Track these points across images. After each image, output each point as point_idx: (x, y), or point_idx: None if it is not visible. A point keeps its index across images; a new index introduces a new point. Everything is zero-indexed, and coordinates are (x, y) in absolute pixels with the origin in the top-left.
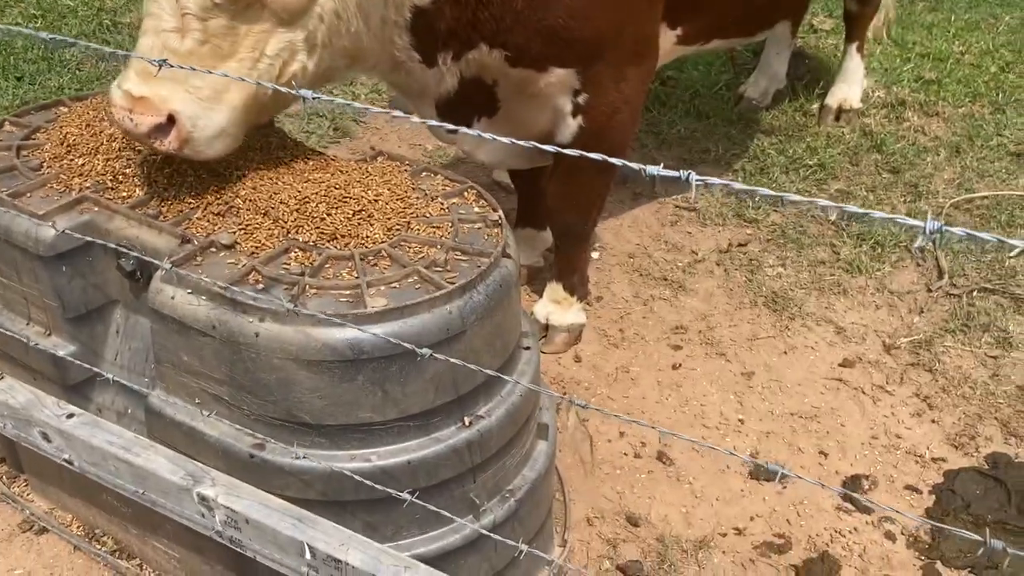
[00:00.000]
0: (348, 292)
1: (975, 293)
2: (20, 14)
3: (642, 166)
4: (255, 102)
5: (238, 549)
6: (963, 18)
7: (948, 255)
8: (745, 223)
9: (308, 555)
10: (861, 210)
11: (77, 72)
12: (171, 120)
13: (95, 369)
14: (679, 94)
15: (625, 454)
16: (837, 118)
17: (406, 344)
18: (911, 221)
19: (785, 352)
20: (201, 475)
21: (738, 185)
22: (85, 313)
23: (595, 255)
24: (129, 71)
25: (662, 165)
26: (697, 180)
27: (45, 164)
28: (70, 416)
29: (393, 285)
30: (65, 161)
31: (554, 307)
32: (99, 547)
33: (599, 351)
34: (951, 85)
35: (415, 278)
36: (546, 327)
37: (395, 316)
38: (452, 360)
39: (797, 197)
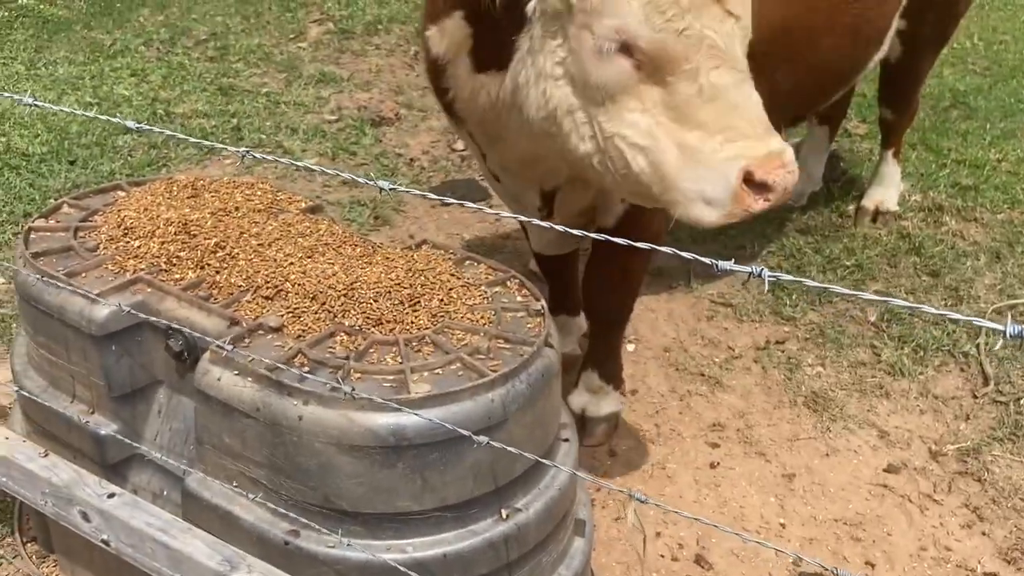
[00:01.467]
0: (392, 377)
1: (1022, 401)
2: (76, 101)
3: (713, 261)
4: None
5: None
6: (998, 127)
7: (993, 361)
8: (782, 320)
9: None
10: (942, 311)
11: (129, 158)
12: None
13: (136, 445)
14: None
15: (662, 556)
16: (874, 220)
17: (454, 427)
18: (991, 324)
19: (827, 454)
20: (238, 561)
21: (811, 283)
22: (130, 392)
23: (630, 347)
24: (749, 140)
25: (733, 260)
26: (770, 276)
27: (101, 246)
28: (111, 496)
29: (436, 371)
30: (121, 243)
31: (590, 397)
32: None
33: (634, 446)
34: (988, 192)
35: (458, 365)
36: (582, 418)
37: (438, 402)
38: (495, 444)
39: (874, 297)
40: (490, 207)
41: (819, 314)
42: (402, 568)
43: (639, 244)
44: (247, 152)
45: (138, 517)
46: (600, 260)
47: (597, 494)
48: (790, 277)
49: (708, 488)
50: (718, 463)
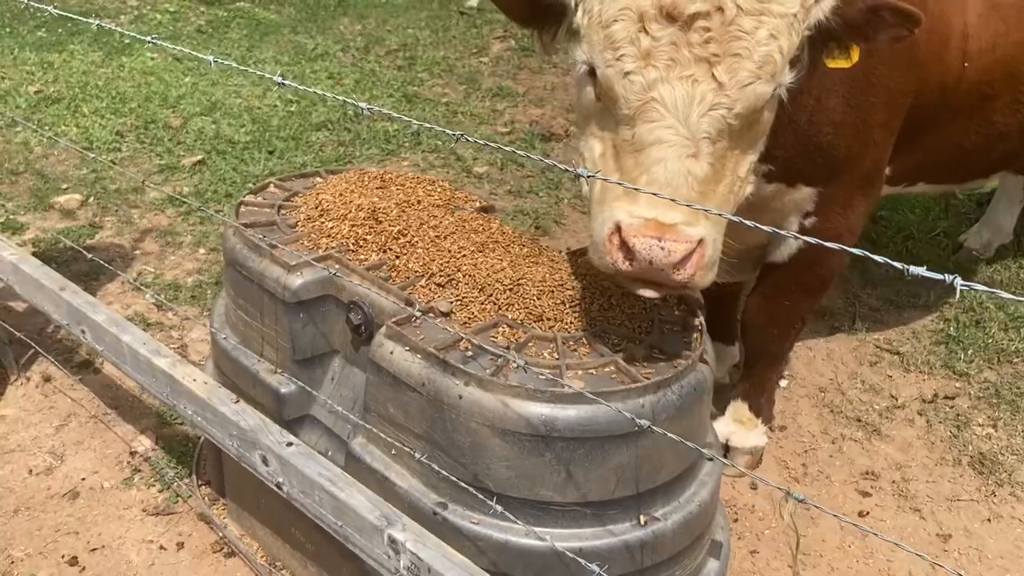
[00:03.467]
0: (548, 370)
1: None
2: (279, 98)
3: (905, 266)
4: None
5: None
6: None
7: None
8: (955, 375)
9: None
10: None
11: (320, 152)
12: (700, 245)
13: (319, 395)
14: (891, 235)
15: None
16: None
17: (626, 418)
18: None
19: (989, 520)
20: (395, 519)
21: (1006, 295)
22: (310, 357)
23: (783, 383)
24: (640, 199)
25: (925, 267)
26: (962, 285)
27: (300, 223)
28: (289, 444)
29: (591, 371)
30: (317, 223)
31: (737, 427)
32: None
33: (778, 483)
34: None
35: (612, 368)
36: (726, 447)
37: (590, 400)
38: (656, 432)
39: None
40: None
41: (996, 372)
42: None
43: (829, 245)
44: (420, 126)
45: (311, 466)
46: (768, 293)
47: (735, 525)
48: (985, 288)
49: (854, 536)
50: (867, 512)
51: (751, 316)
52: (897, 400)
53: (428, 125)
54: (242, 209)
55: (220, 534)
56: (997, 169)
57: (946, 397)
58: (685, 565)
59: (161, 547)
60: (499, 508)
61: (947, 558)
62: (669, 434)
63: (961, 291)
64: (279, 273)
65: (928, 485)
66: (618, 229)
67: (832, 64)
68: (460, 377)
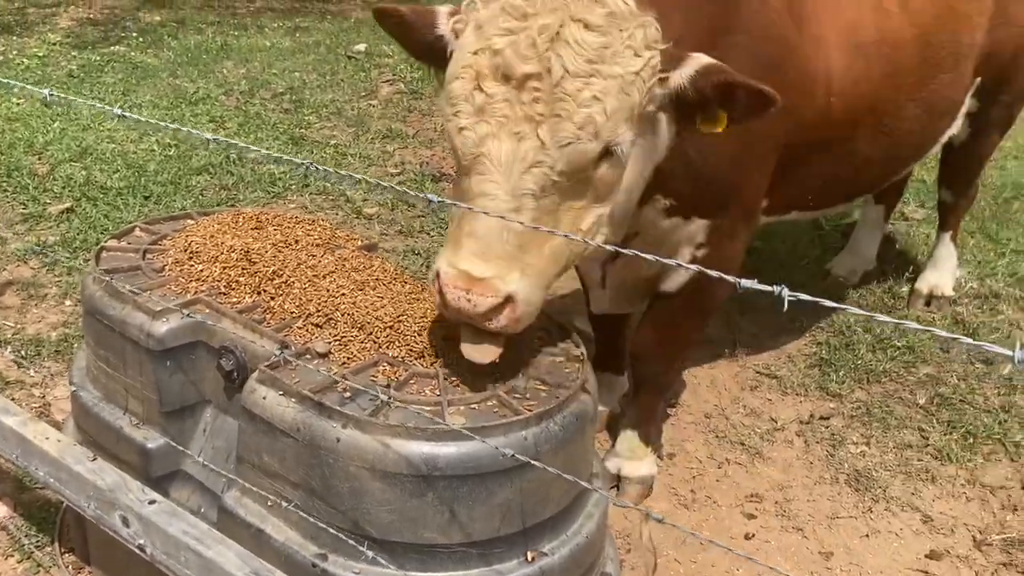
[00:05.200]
0: (429, 408)
1: None
2: (157, 142)
3: (737, 280)
4: (562, 274)
5: None
6: None
7: None
8: (828, 396)
9: None
10: (945, 334)
11: (201, 197)
12: (507, 300)
13: (186, 451)
14: (764, 265)
15: None
16: (927, 303)
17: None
18: (998, 349)
19: (867, 535)
20: (266, 575)
21: (829, 303)
22: (179, 409)
23: (670, 411)
24: (461, 250)
25: (756, 280)
26: (789, 296)
27: (167, 267)
28: (152, 502)
29: (472, 406)
30: (186, 266)
31: (628, 457)
32: None
33: (668, 510)
34: None
35: (494, 402)
36: (617, 478)
37: (472, 436)
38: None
39: (915, 325)
40: None
41: (866, 392)
42: None
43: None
44: (311, 164)
45: (175, 525)
46: (657, 322)
47: (627, 556)
48: (809, 298)
49: (741, 560)
50: (753, 535)
51: (640, 345)
52: (777, 422)
53: (317, 166)
54: (103, 255)
55: None
56: (862, 194)
57: (821, 418)
58: None
59: None
60: (377, 555)
61: (829, 575)
62: (552, 468)
63: (788, 301)
64: (143, 320)
65: (809, 504)
66: (438, 276)
67: (704, 129)
68: (337, 419)
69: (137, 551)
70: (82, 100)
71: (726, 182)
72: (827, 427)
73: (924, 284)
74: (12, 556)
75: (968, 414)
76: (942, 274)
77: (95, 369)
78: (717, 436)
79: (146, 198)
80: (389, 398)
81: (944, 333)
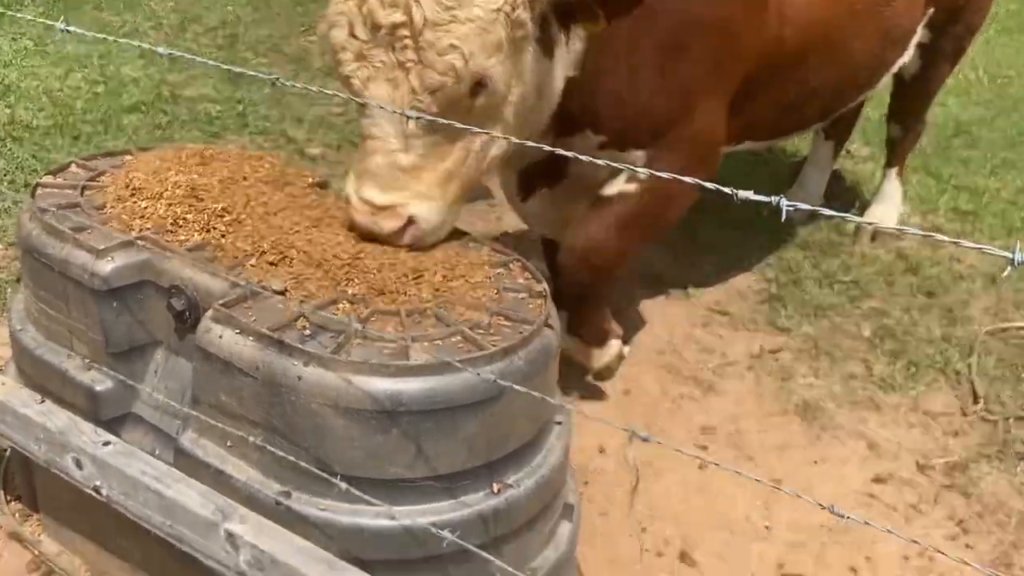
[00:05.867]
0: (392, 345)
1: (1011, 420)
2: (83, 79)
3: (734, 191)
4: (465, 190)
5: None
6: (1000, 156)
7: (984, 380)
8: (778, 331)
9: None
10: (947, 239)
11: (133, 137)
12: (409, 221)
13: (146, 386)
14: (716, 202)
15: (647, 550)
16: (873, 239)
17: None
18: (997, 251)
19: (815, 462)
20: (231, 511)
21: (828, 212)
22: (127, 350)
23: (625, 348)
24: (364, 180)
25: (752, 191)
26: (788, 205)
27: (108, 204)
28: (106, 444)
29: (436, 342)
30: (128, 203)
31: (581, 358)
32: None
33: (624, 444)
34: (987, 218)
35: (458, 338)
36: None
37: (436, 371)
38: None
39: (916, 231)
40: (491, 206)
41: (814, 327)
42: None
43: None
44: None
45: (133, 465)
46: (595, 223)
47: (585, 488)
48: (807, 207)
49: (695, 489)
50: (706, 465)
51: (574, 247)
52: (728, 357)
53: (289, 82)
54: (39, 191)
55: (35, 551)
56: (816, 122)
57: (771, 352)
58: (539, 529)
59: None
60: (346, 489)
61: (779, 501)
62: (519, 398)
63: (787, 211)
64: (86, 259)
65: (760, 435)
66: (348, 201)
67: (587, 29)
68: (298, 357)
69: (93, 493)
70: (30, 17)
71: (660, 111)
72: (777, 360)
73: (870, 220)
74: None
75: (911, 345)
76: (887, 209)
77: (36, 311)
78: (670, 372)
79: (75, 138)
80: (354, 332)
81: (943, 237)
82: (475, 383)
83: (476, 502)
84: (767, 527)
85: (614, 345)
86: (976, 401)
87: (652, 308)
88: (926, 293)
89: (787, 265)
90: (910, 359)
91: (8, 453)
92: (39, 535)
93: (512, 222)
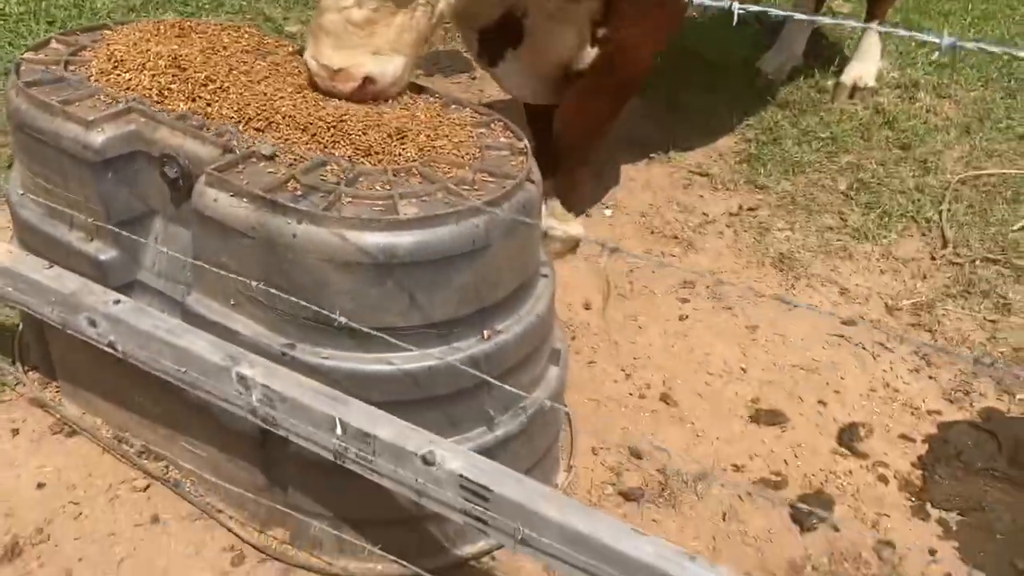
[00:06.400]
0: (381, 202)
1: (977, 262)
2: None
3: None
4: (419, 44)
5: (271, 428)
6: (980, 7)
7: (953, 226)
8: (756, 189)
9: (339, 430)
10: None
11: (108, 18)
12: (367, 80)
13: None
14: (697, 67)
15: (630, 394)
16: (851, 95)
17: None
18: (926, 36)
19: (790, 309)
20: (240, 356)
21: (775, 11)
22: (127, 220)
23: (607, 212)
24: (321, 43)
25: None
26: (739, 8)
27: (92, 78)
28: (117, 302)
29: (423, 198)
30: (112, 76)
31: (554, 221)
32: (127, 448)
33: (605, 300)
34: (964, 70)
35: (444, 193)
36: (545, 235)
37: (425, 224)
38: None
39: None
40: (472, 78)
41: (792, 183)
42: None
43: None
44: None
45: (144, 320)
46: (575, 99)
47: (573, 342)
48: (757, 8)
49: (676, 337)
50: (687, 316)
51: (562, 120)
52: (708, 216)
53: None
54: (23, 67)
55: (57, 415)
56: None
57: (749, 209)
58: (528, 372)
59: None
60: (347, 341)
61: (755, 345)
62: (505, 249)
63: (738, 15)
64: (77, 131)
65: (737, 286)
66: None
67: None
68: (292, 216)
69: (108, 349)
70: None
71: None
72: (755, 217)
73: (848, 77)
74: None
75: (885, 196)
76: (866, 65)
77: (33, 186)
78: (652, 232)
79: (50, 23)
80: (344, 191)
81: (884, 28)
82: (462, 234)
83: (468, 347)
84: (743, 369)
85: (580, 228)
86: (945, 246)
87: (635, 173)
88: (901, 146)
89: (767, 125)
90: (883, 209)
91: (20, 327)
92: (59, 400)
93: (494, 92)
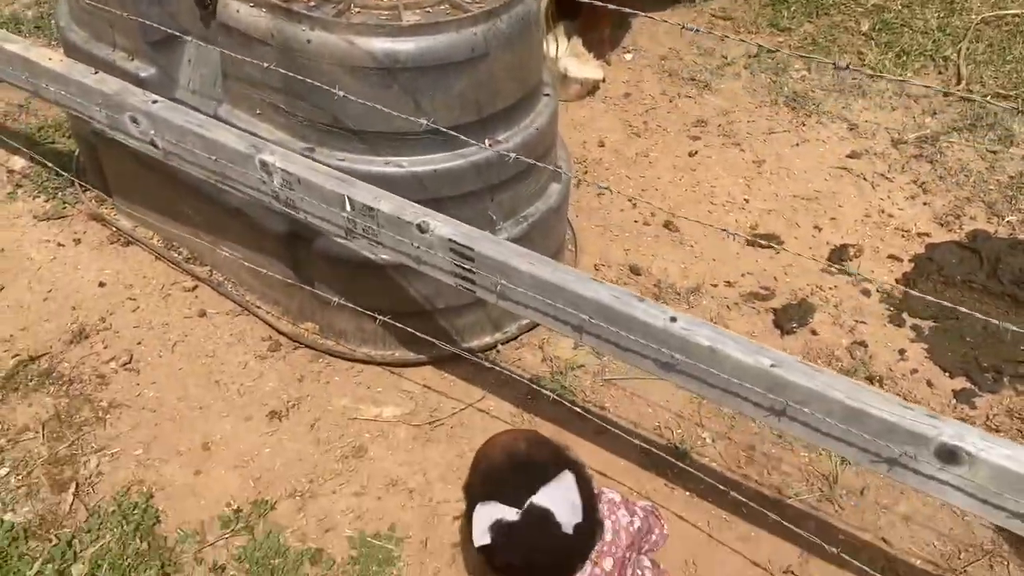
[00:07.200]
0: (387, 12)
1: (989, 97)
2: None
3: None
4: None
5: (291, 211)
6: None
7: (970, 64)
8: (778, 32)
9: (348, 206)
10: None
11: None
12: None
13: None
14: None
15: (635, 221)
16: None
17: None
18: None
19: (797, 144)
20: (263, 146)
21: None
22: (162, 40)
23: (628, 56)
24: None
25: None
26: None
27: None
28: (155, 102)
29: (426, 9)
30: None
31: (574, 60)
32: (176, 255)
33: (622, 139)
34: None
35: (446, 6)
36: (565, 77)
37: (426, 32)
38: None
39: None
40: None
41: (814, 25)
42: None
43: None
44: None
45: (178, 116)
46: None
47: (585, 175)
48: None
49: (684, 172)
50: (696, 152)
51: None
52: (727, 58)
53: None
54: None
55: (114, 227)
56: None
57: (769, 51)
58: (529, 183)
59: (59, 244)
60: (360, 145)
61: (760, 178)
62: (503, 57)
63: None
64: None
65: (748, 124)
66: None
67: None
68: (305, 23)
69: (150, 147)
70: None
71: None
72: (773, 58)
73: None
74: (38, 197)
75: (906, 36)
76: None
77: (79, 10)
78: (670, 75)
79: None
80: (350, 5)
81: None
82: (461, 42)
83: (471, 153)
84: (746, 200)
85: (599, 69)
86: (959, 82)
87: (658, 17)
88: None
89: None
90: (902, 48)
91: (77, 153)
92: (114, 215)
93: None
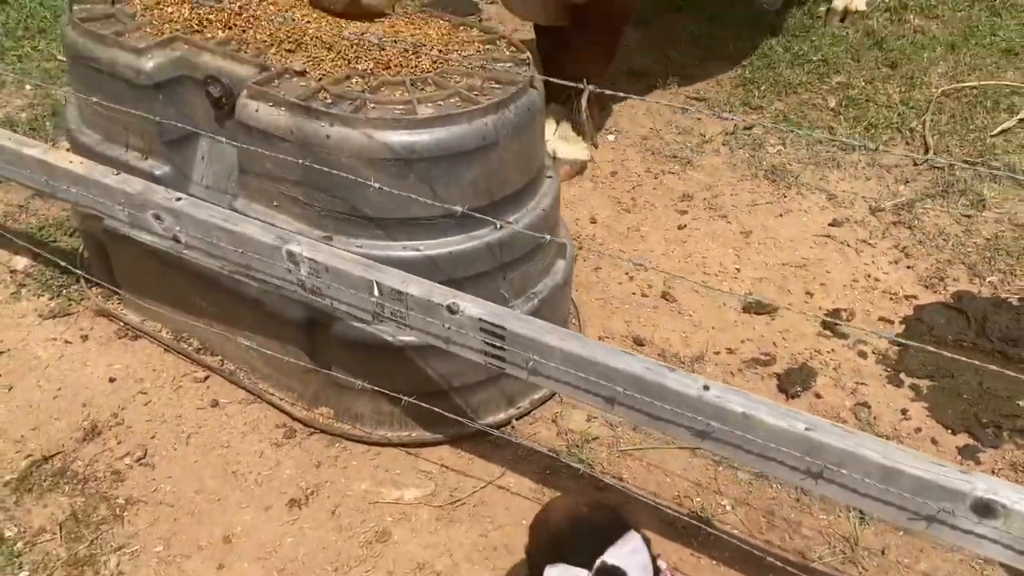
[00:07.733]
0: (402, 106)
1: (955, 166)
2: None
3: None
4: None
5: (317, 299)
6: None
7: (935, 134)
8: (751, 110)
9: (376, 291)
10: None
11: None
12: None
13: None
14: (695, 2)
15: (633, 294)
16: (842, 19)
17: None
18: None
19: (781, 215)
20: (289, 237)
21: None
22: (177, 139)
23: (611, 137)
24: None
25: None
26: None
27: (139, 13)
28: (179, 199)
29: (439, 103)
30: (155, 11)
31: (562, 143)
32: (186, 346)
33: (612, 215)
34: None
35: (457, 99)
36: (553, 158)
37: (441, 123)
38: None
39: None
40: (481, 19)
41: (784, 103)
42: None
43: None
44: None
45: (203, 211)
46: (576, 32)
47: (579, 251)
48: None
49: (675, 244)
50: (685, 225)
51: (572, 50)
52: (705, 136)
53: None
54: (75, 7)
55: (122, 322)
56: None
57: (745, 128)
58: (537, 261)
59: (66, 341)
60: (378, 231)
61: (748, 248)
62: (512, 146)
63: None
64: (130, 59)
65: (732, 197)
66: None
67: None
68: (324, 119)
69: (172, 243)
70: None
71: None
72: (749, 135)
73: (839, 1)
74: (43, 296)
75: (872, 110)
76: None
77: (90, 113)
78: (653, 153)
79: None
80: (369, 97)
81: None
82: (473, 132)
83: (484, 235)
84: (737, 269)
85: (586, 151)
86: (927, 152)
87: (636, 100)
88: (889, 64)
89: (762, 51)
90: (870, 122)
91: (81, 249)
92: (121, 310)
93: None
